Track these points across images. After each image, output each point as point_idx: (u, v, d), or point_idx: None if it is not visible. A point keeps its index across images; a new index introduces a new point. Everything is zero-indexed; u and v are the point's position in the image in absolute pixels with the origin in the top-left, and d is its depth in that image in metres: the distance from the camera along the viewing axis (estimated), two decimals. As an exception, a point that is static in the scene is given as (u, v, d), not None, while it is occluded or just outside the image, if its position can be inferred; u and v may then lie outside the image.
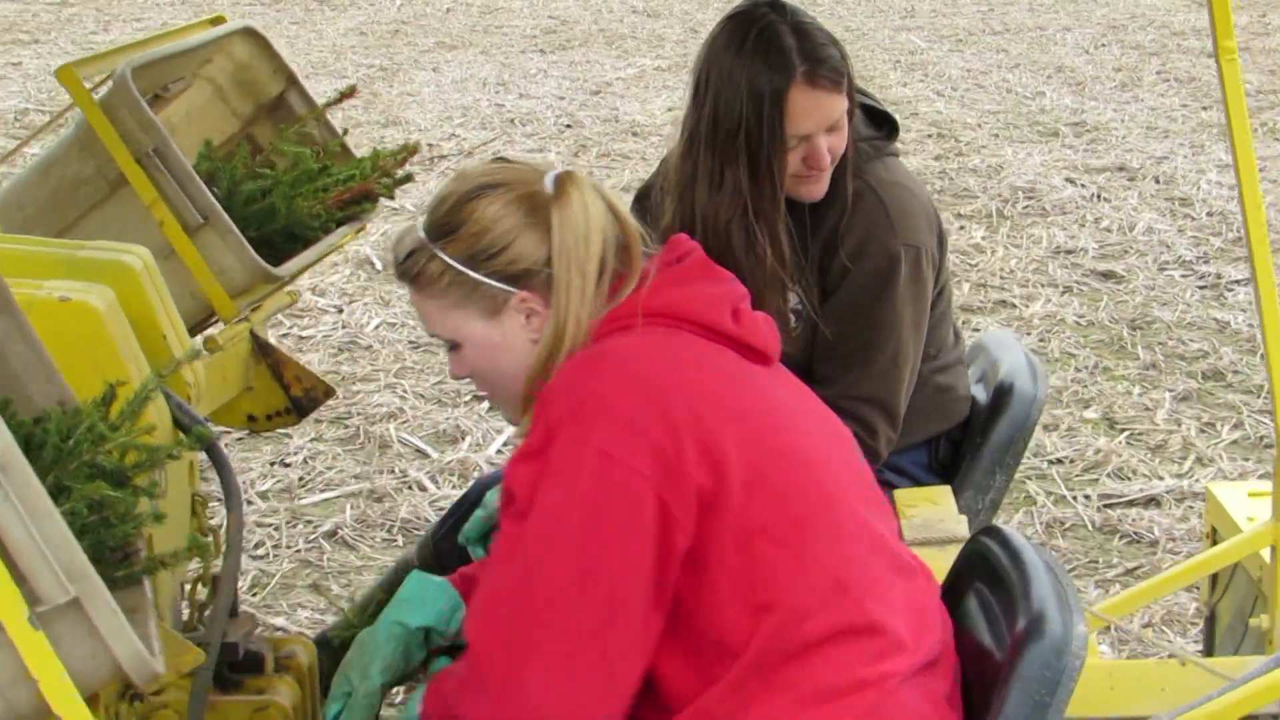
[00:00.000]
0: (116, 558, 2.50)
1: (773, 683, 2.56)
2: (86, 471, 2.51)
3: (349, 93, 4.62)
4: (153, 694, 3.14)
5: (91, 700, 2.25)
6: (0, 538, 2.15)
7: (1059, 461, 6.51)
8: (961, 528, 3.53)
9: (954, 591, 2.91)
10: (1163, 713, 3.29)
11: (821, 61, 3.70)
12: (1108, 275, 8.98)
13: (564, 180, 2.77)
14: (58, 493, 2.43)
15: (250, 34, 4.45)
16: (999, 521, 4.00)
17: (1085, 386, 7.36)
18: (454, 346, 2.84)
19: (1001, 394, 3.99)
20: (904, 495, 3.72)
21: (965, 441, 4.03)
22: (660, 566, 2.54)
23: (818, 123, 3.71)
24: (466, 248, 2.75)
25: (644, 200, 4.07)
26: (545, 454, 2.58)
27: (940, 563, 3.09)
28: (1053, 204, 10.39)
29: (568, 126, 12.83)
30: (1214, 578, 4.31)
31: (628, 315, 2.72)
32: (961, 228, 9.88)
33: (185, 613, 3.52)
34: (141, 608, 2.47)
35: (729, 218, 3.74)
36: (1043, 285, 8.80)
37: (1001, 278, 8.97)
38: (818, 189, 3.80)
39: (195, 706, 2.98)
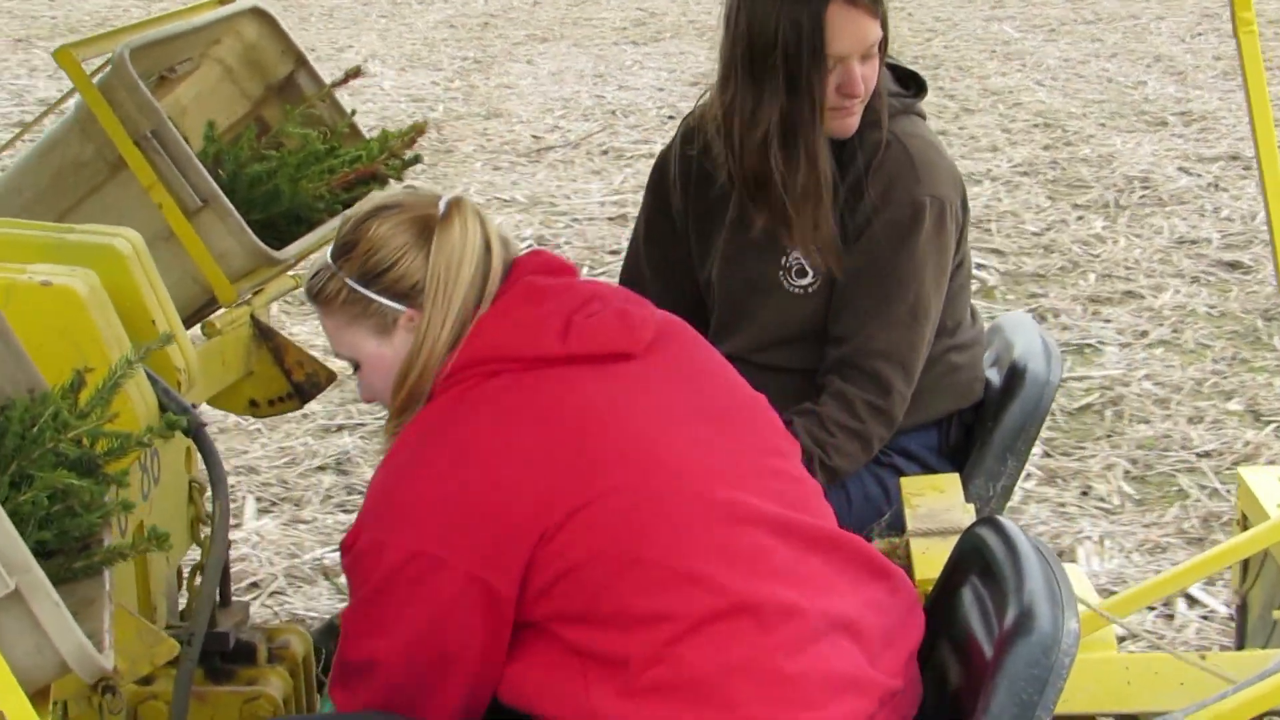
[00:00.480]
0: (77, 548, 2.49)
1: (654, 686, 2.59)
2: (51, 460, 2.50)
3: (354, 73, 4.62)
4: (141, 683, 3.15)
5: (39, 695, 2.23)
6: (-62, 529, 2.13)
7: (1207, 454, 6.44)
8: (967, 518, 3.46)
9: (949, 584, 2.89)
10: (1178, 708, 3.25)
11: None
12: (1234, 265, 8.87)
13: (452, 206, 2.83)
14: (21, 481, 2.43)
15: (259, 14, 4.44)
16: (1007, 512, 3.93)
17: (1225, 378, 7.27)
18: (356, 367, 2.89)
19: (1015, 377, 3.94)
20: (910, 484, 3.66)
21: (976, 425, 3.98)
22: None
23: (854, 44, 3.68)
24: (360, 265, 2.81)
25: (688, 145, 4.02)
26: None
27: (943, 554, 3.07)
28: (1169, 193, 10.28)
29: (670, 118, 12.74)
30: (1245, 566, 4.25)
31: (457, 369, 2.77)
32: (1080, 218, 9.80)
33: (183, 601, 3.52)
34: (99, 599, 2.45)
35: (766, 140, 3.70)
36: (1169, 276, 8.71)
37: (1126, 268, 8.89)
38: (851, 122, 3.75)
39: (178, 697, 2.98)
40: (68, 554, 2.45)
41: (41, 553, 2.33)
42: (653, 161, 4.12)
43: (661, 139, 11.93)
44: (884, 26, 3.73)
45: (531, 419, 2.70)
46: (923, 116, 3.94)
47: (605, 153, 11.79)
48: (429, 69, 15.24)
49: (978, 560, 2.82)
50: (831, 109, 3.70)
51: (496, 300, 2.78)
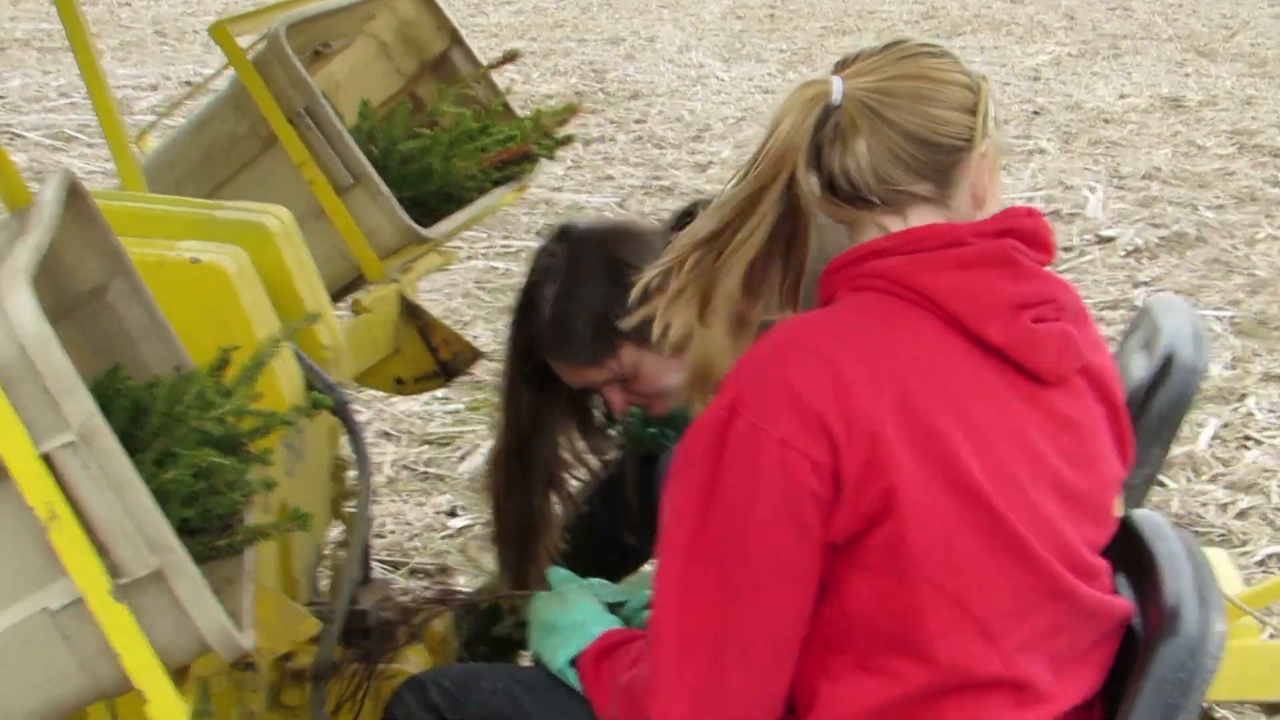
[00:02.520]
0: (220, 526, 2.52)
1: (913, 716, 2.47)
2: (195, 438, 2.51)
3: (512, 56, 4.66)
4: (281, 660, 3.18)
5: (179, 673, 2.27)
6: (82, 509, 2.16)
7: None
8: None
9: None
10: None
11: None
12: None
13: None
14: (165, 459, 2.44)
15: None
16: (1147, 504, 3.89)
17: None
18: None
19: (1163, 362, 3.87)
20: None
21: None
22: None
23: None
24: None
25: None
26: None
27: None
28: None
29: (1035, 113, 12.74)
30: None
31: None
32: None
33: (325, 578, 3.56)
34: (238, 579, 2.48)
35: None
36: None
37: None
38: (657, 408, 3.65)
39: (319, 674, 3.04)
40: (211, 532, 2.48)
41: (185, 530, 2.36)
42: None
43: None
44: (643, 342, 3.30)
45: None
46: None
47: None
48: (751, 60, 14.98)
49: (1123, 554, 2.73)
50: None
51: None
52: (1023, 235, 2.46)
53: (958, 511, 2.37)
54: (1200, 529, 5.44)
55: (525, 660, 3.48)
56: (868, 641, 2.43)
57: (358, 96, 4.26)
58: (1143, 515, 2.76)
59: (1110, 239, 9.15)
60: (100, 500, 2.16)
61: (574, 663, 2.72)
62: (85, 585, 2.16)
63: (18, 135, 11.19)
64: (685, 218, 3.56)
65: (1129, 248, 8.97)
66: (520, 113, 4.46)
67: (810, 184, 2.44)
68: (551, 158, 4.33)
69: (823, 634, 2.44)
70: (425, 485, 5.77)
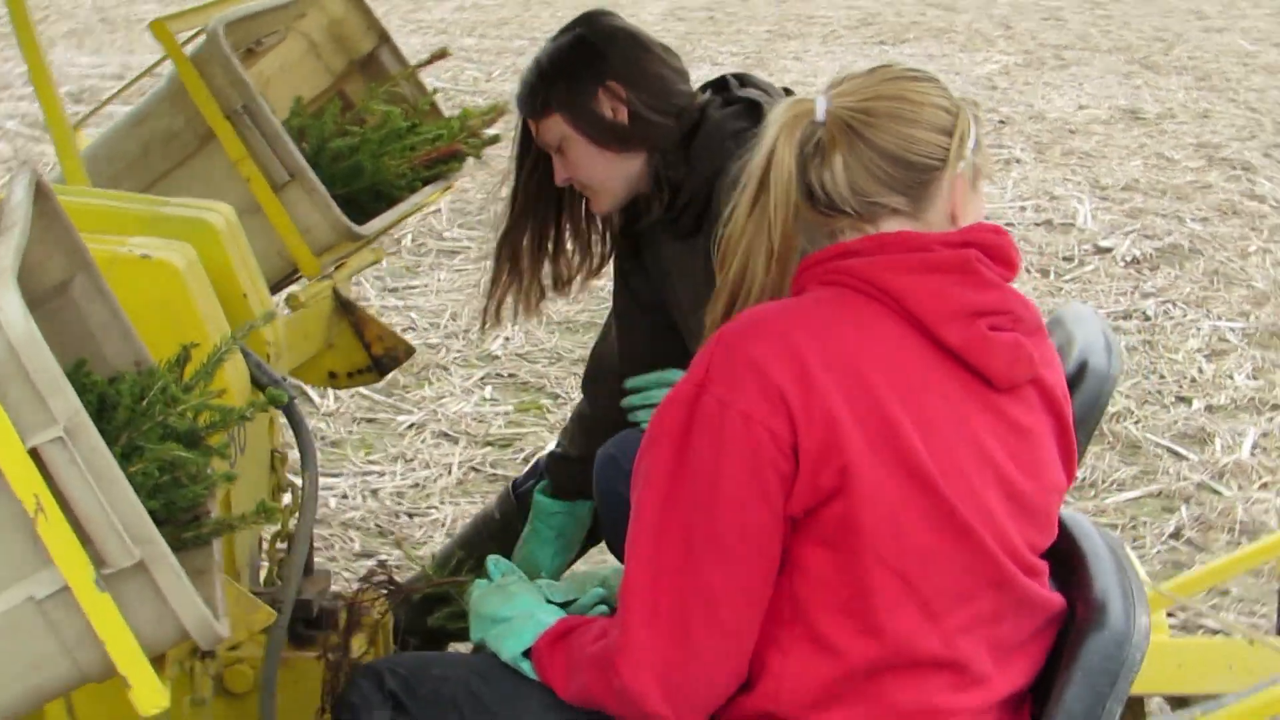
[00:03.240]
0: (186, 519, 2.54)
1: (858, 690, 2.55)
2: (159, 432, 2.54)
3: (440, 54, 4.69)
4: (229, 649, 3.21)
5: (158, 661, 2.30)
6: (68, 501, 2.20)
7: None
8: None
9: None
10: (1229, 692, 3.29)
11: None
12: None
13: None
14: (131, 453, 2.48)
15: None
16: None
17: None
18: None
19: (1077, 370, 3.95)
20: None
21: None
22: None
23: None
24: None
25: None
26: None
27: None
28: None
29: (1002, 123, 12.73)
30: None
31: None
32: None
33: (264, 569, 3.59)
34: (209, 569, 2.51)
35: None
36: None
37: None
38: (594, 204, 3.94)
39: (269, 662, 3.03)
40: (175, 525, 2.50)
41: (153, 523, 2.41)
42: None
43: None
44: (575, 120, 3.73)
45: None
46: None
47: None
48: (706, 64, 14.44)
49: (1051, 555, 2.79)
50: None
51: None
52: (986, 248, 2.57)
53: (906, 494, 2.47)
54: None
55: (460, 649, 3.55)
56: (819, 614, 2.51)
57: (288, 94, 4.27)
58: (1069, 516, 2.84)
59: (1108, 249, 9.22)
60: (85, 493, 2.19)
61: (527, 652, 2.75)
62: (71, 575, 2.19)
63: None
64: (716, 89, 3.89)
65: (1128, 258, 9.05)
66: (449, 113, 4.50)
67: (794, 193, 2.57)
68: (479, 157, 4.35)
69: (776, 607, 2.53)
70: (494, 486, 5.78)
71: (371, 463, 6.07)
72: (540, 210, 3.91)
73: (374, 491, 5.80)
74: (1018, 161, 11.42)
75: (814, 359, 2.47)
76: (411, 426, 6.41)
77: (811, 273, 2.60)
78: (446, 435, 6.32)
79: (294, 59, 4.45)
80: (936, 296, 2.53)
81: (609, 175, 3.76)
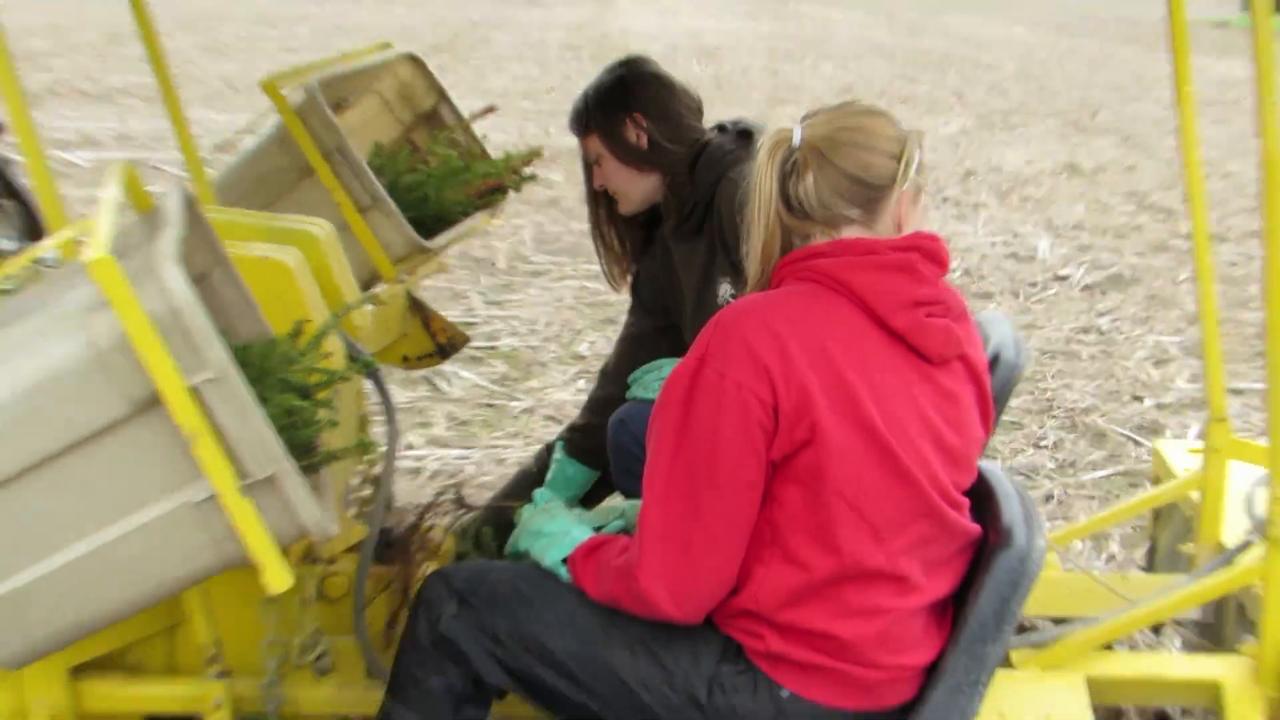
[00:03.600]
0: (302, 452, 2.60)
1: (820, 594, 2.62)
2: (280, 387, 2.62)
3: (488, 109, 4.73)
4: (327, 563, 3.28)
5: (282, 553, 2.38)
6: (222, 430, 2.30)
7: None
8: None
9: None
10: (1097, 615, 3.30)
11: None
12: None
13: None
14: (260, 402, 2.53)
15: (411, 59, 4.56)
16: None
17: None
18: None
19: (992, 360, 4.00)
20: None
21: None
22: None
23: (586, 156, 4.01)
24: None
25: None
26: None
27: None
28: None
29: (968, 174, 12.72)
30: (1157, 514, 4.37)
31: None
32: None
33: (353, 510, 3.65)
34: (320, 488, 2.60)
35: None
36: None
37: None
38: (622, 206, 4.01)
39: (361, 572, 3.10)
40: (295, 457, 2.53)
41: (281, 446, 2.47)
42: None
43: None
44: (607, 141, 3.86)
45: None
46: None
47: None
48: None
49: (971, 495, 2.83)
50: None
51: None
52: (924, 251, 2.65)
53: (862, 446, 2.55)
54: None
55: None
56: (791, 537, 2.59)
57: (368, 140, 4.30)
58: (987, 466, 2.89)
59: (1065, 277, 9.25)
60: (230, 421, 2.29)
61: (564, 562, 2.80)
62: (219, 484, 2.30)
63: (155, 168, 11.24)
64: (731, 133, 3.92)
65: (1082, 285, 9.08)
66: (493, 154, 4.55)
67: (775, 200, 2.67)
68: (519, 190, 4.40)
69: (759, 532, 2.61)
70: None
71: (496, 439, 6.11)
72: (595, 208, 4.06)
73: (500, 461, 5.85)
74: (985, 205, 11.46)
75: (791, 340, 2.55)
76: (524, 411, 6.47)
77: (789, 269, 2.68)
78: (552, 418, 6.34)
79: (372, 113, 4.48)
80: (886, 291, 2.61)
81: (631, 186, 3.88)
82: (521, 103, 16.18)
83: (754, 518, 2.60)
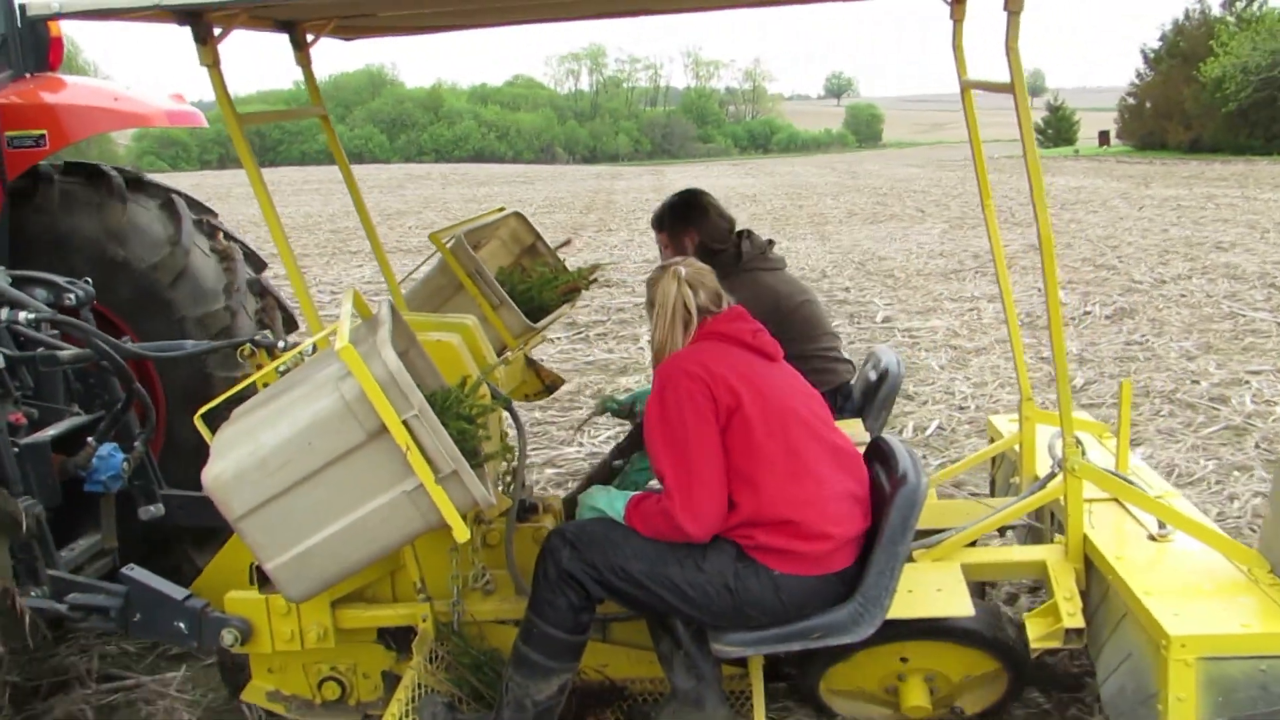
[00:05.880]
0: (471, 456, 2.60)
1: (772, 497, 2.66)
2: (455, 417, 2.62)
3: (566, 243, 4.73)
4: (488, 523, 3.24)
5: (464, 519, 2.38)
6: (422, 445, 2.31)
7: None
8: (869, 436, 3.57)
9: (866, 463, 2.93)
10: (963, 525, 3.26)
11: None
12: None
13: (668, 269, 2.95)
14: (444, 427, 2.54)
15: (517, 215, 4.53)
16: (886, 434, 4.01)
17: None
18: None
19: (882, 375, 4.03)
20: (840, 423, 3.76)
21: (864, 399, 4.02)
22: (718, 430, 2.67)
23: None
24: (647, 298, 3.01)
25: None
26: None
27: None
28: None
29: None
30: (993, 461, 4.32)
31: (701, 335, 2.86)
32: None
33: (500, 488, 3.60)
34: (483, 477, 2.58)
35: None
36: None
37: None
38: None
39: (509, 530, 3.07)
40: (467, 459, 2.57)
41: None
42: None
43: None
44: (671, 241, 3.89)
45: (740, 360, 2.82)
46: (774, 263, 4.02)
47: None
48: None
49: (878, 453, 2.89)
50: None
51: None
52: (740, 315, 2.86)
53: (765, 414, 2.65)
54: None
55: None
56: (746, 470, 2.66)
57: (495, 265, 4.29)
58: (886, 436, 2.91)
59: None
60: (428, 440, 2.31)
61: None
62: (423, 478, 2.31)
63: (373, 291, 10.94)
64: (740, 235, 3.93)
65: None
66: (571, 268, 4.52)
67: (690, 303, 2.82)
68: (588, 289, 4.38)
69: (731, 474, 2.66)
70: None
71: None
72: None
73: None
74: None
75: (712, 363, 2.69)
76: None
77: (701, 332, 2.83)
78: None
79: (496, 249, 4.47)
80: (742, 330, 2.80)
81: None
82: (586, 237, 16.09)
83: (723, 458, 2.65)
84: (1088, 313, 8.99)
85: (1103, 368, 7.19)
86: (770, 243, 4.05)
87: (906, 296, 10.25)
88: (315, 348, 2.88)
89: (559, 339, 8.82)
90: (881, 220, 17.12)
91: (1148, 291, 9.92)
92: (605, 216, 18.92)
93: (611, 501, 2.90)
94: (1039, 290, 10.13)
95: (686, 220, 3.86)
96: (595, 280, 4.43)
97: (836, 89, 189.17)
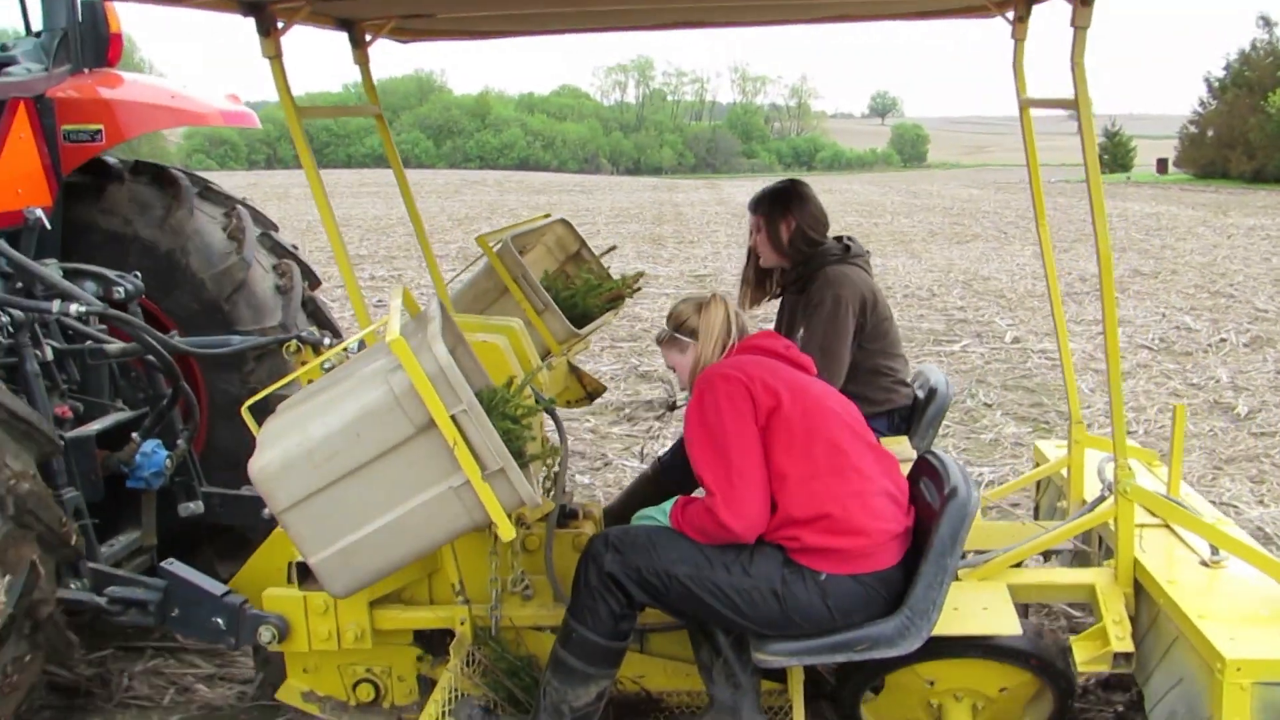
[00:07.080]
0: (516, 455, 2.60)
1: (811, 491, 2.66)
2: (501, 417, 2.62)
3: (610, 249, 4.76)
4: (528, 527, 3.22)
5: (509, 517, 2.39)
6: (470, 441, 2.32)
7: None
8: (914, 454, 3.52)
9: (913, 480, 2.92)
10: (1009, 546, 3.22)
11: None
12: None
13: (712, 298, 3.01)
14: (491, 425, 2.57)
15: (564, 222, 4.58)
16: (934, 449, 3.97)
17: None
18: (674, 369, 3.06)
19: (930, 393, 4.01)
20: (885, 441, 3.73)
21: (912, 418, 3.98)
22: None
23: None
24: (674, 325, 3.02)
25: None
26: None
27: (905, 469, 3.11)
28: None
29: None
30: (1038, 485, 4.27)
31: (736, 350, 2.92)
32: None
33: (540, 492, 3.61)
34: (530, 478, 2.59)
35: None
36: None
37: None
38: (763, 260, 3.93)
39: (549, 535, 3.06)
40: (514, 457, 2.59)
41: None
42: None
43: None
44: (767, 227, 3.83)
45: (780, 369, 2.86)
46: (855, 262, 3.93)
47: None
48: None
49: (927, 468, 2.86)
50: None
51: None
52: (772, 334, 2.93)
53: (806, 412, 2.68)
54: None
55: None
56: (785, 469, 2.67)
57: (540, 270, 4.32)
58: (933, 452, 2.89)
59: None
60: (475, 435, 2.31)
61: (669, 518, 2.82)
62: (470, 474, 2.31)
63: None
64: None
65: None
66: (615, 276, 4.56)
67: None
68: (631, 296, 4.42)
69: (772, 474, 2.67)
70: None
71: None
72: (747, 256, 4.01)
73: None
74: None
75: (749, 367, 2.73)
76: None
77: (740, 347, 2.89)
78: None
79: (541, 255, 4.51)
80: (775, 344, 2.87)
81: (769, 254, 3.90)
82: (630, 244, 15.91)
83: (762, 457, 2.65)
84: (1223, 339, 8.78)
85: (1262, 396, 6.98)
86: (868, 253, 4.07)
87: (1026, 318, 10.03)
88: (362, 344, 2.89)
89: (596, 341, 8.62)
90: (966, 240, 16.76)
91: (1276, 320, 9.70)
92: (679, 229, 18.67)
93: (662, 511, 2.91)
94: (1164, 315, 9.94)
95: (787, 206, 3.85)
96: (639, 289, 4.46)
97: (881, 108, 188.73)
